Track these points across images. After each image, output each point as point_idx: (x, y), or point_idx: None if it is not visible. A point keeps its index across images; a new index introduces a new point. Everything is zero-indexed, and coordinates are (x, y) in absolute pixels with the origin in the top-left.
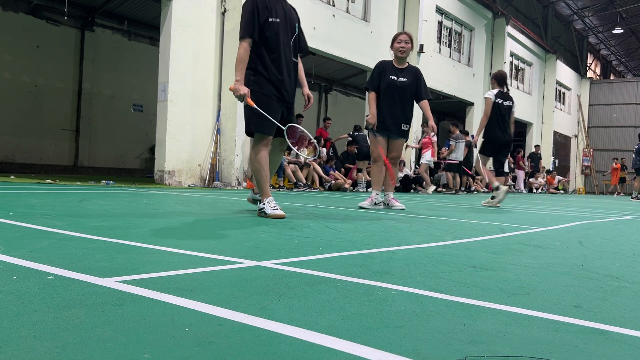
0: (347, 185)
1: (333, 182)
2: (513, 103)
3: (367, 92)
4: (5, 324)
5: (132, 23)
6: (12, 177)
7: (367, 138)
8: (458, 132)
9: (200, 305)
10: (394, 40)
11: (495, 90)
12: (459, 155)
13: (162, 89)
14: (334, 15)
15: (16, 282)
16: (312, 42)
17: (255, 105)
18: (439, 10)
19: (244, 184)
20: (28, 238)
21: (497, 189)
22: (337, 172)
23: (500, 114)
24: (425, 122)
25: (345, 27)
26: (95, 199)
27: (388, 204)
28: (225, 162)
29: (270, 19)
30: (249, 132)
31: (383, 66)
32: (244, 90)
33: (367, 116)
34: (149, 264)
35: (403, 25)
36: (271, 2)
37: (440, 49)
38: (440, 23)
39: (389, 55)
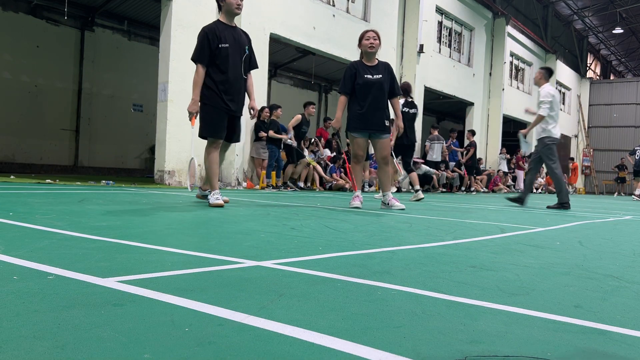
0: (347, 186)
1: (334, 182)
2: (417, 110)
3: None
4: (5, 324)
5: (132, 23)
6: (12, 177)
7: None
8: (436, 133)
9: (200, 305)
10: (361, 38)
11: (402, 100)
12: (435, 155)
13: (162, 89)
14: (333, 15)
15: (16, 282)
16: (312, 42)
17: (193, 127)
18: (439, 10)
19: (244, 183)
20: (28, 238)
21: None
22: (341, 173)
23: (406, 120)
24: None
25: (345, 27)
26: (95, 199)
27: (388, 204)
28: (225, 162)
29: (220, 45)
30: (202, 135)
31: (355, 67)
32: (195, 109)
33: (330, 121)
34: (149, 264)
35: (403, 25)
36: (220, 30)
37: (440, 49)
38: (440, 23)
39: (388, 55)
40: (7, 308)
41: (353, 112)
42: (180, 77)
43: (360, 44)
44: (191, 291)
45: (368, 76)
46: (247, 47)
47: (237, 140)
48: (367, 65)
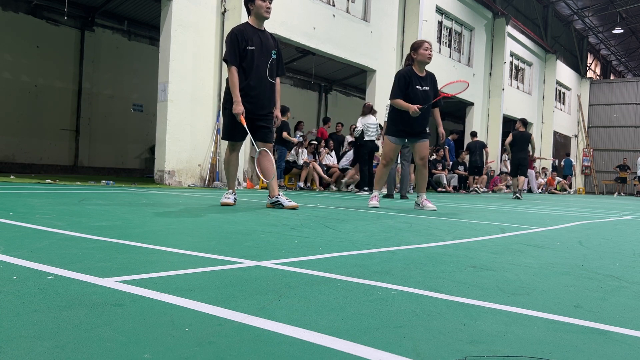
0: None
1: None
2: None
3: (391, 101)
4: (5, 324)
5: (132, 23)
6: (12, 177)
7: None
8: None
9: (200, 305)
10: (418, 47)
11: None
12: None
13: (162, 89)
14: (333, 15)
15: (16, 282)
16: (312, 42)
17: (245, 125)
18: (439, 10)
19: (244, 184)
20: (28, 238)
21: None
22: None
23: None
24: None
25: (345, 27)
26: (95, 199)
27: (420, 205)
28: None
29: (247, 47)
30: (224, 138)
31: (409, 76)
32: (239, 110)
33: (413, 111)
34: (149, 264)
35: (403, 25)
36: (248, 33)
37: (440, 49)
38: (440, 23)
39: (388, 55)
40: (7, 308)
41: (396, 118)
42: (180, 77)
43: (416, 52)
44: (191, 291)
45: (418, 87)
46: (274, 52)
47: (266, 140)
48: (419, 76)
